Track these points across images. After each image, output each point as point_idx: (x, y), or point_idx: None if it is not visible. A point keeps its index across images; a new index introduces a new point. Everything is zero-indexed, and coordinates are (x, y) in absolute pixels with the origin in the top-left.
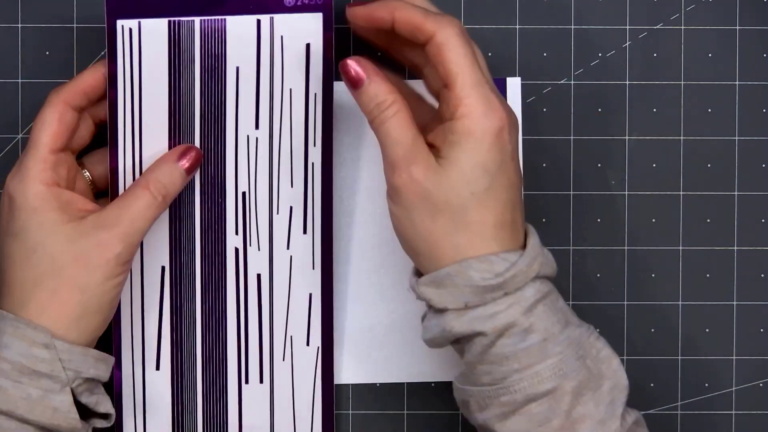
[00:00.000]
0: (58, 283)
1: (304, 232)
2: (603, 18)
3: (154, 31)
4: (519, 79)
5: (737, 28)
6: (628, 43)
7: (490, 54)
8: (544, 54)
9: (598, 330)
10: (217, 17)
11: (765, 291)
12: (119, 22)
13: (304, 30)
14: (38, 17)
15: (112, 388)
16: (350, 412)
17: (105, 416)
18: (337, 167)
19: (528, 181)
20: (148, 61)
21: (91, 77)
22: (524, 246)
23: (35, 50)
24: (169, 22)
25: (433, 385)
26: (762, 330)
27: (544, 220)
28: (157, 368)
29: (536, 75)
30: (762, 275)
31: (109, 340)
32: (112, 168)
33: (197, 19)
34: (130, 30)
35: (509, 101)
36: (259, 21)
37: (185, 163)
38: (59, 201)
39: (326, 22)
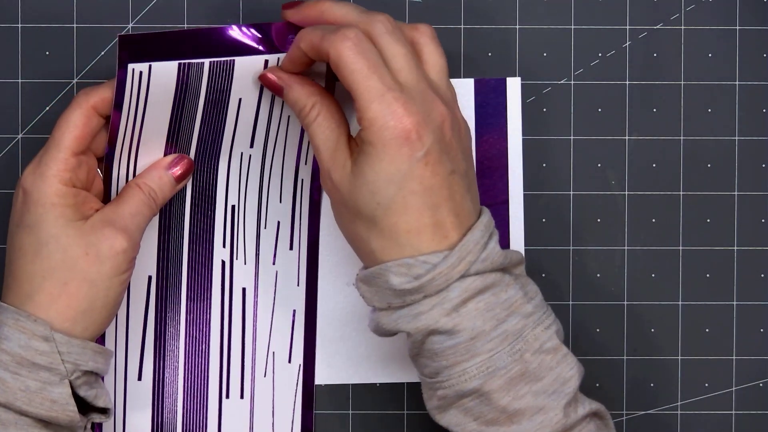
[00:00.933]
0: (69, 276)
1: (291, 248)
2: (603, 18)
3: (164, 72)
4: (519, 79)
5: (737, 28)
6: (628, 43)
7: (490, 54)
8: (544, 54)
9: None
10: (226, 59)
11: (765, 291)
12: (130, 66)
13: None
14: (38, 17)
15: None
16: (350, 412)
17: (103, 411)
18: None
19: (528, 181)
20: (155, 95)
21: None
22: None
23: (35, 50)
24: (180, 64)
25: None
26: (762, 330)
27: (544, 220)
28: (139, 379)
29: (536, 75)
30: (762, 275)
31: None
32: (105, 177)
33: (207, 61)
34: (141, 73)
35: (509, 101)
36: (266, 61)
37: (176, 171)
38: (75, 199)
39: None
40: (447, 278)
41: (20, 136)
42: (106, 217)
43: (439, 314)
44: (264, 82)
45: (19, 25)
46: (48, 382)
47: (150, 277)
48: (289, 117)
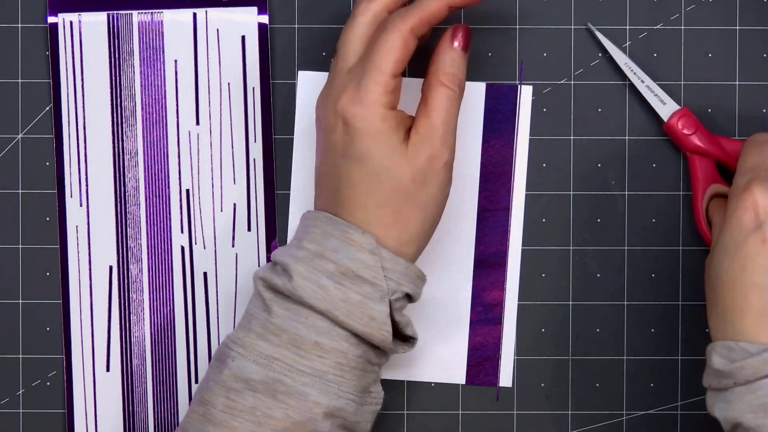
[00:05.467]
0: (401, 204)
1: (249, 229)
2: (603, 18)
3: (94, 24)
4: (531, 87)
5: (737, 28)
6: (628, 43)
7: (489, 54)
8: (544, 54)
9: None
10: (154, 11)
11: None
12: (60, 15)
13: (238, 23)
14: (39, 17)
15: (63, 390)
16: None
17: (409, 341)
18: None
19: (528, 181)
20: (89, 53)
21: (435, 5)
22: None
23: (35, 50)
24: (108, 15)
25: (433, 385)
26: None
27: (544, 220)
28: (108, 369)
29: (536, 75)
30: None
31: (58, 342)
32: (57, 163)
33: (135, 12)
34: (71, 23)
35: (520, 109)
36: (195, 14)
37: (459, 42)
38: (395, 122)
39: (260, 16)
40: (756, 371)
41: (20, 136)
42: (422, 133)
43: (745, 408)
44: None
45: (19, 25)
46: (369, 297)
47: (111, 267)
48: (229, 86)
